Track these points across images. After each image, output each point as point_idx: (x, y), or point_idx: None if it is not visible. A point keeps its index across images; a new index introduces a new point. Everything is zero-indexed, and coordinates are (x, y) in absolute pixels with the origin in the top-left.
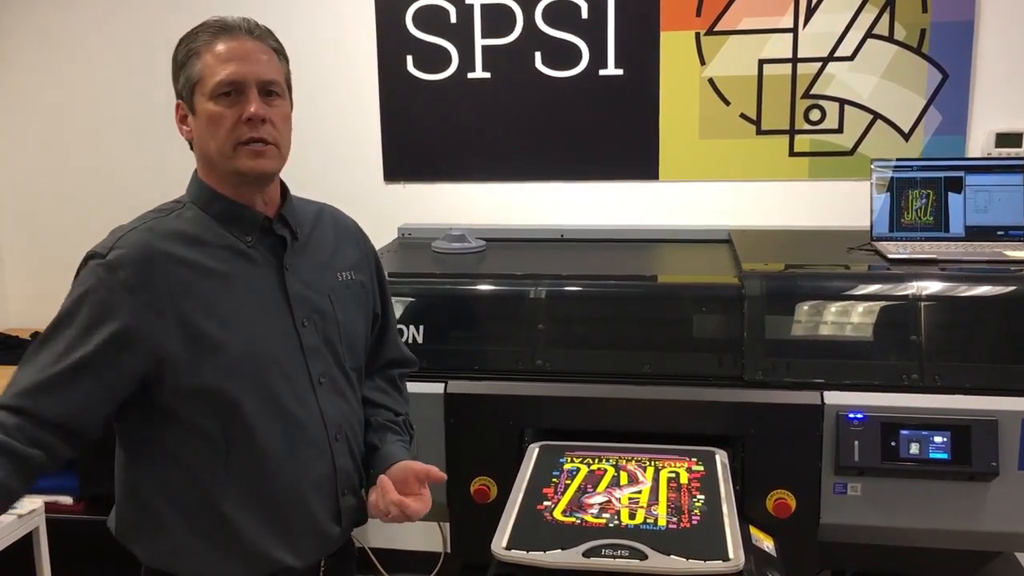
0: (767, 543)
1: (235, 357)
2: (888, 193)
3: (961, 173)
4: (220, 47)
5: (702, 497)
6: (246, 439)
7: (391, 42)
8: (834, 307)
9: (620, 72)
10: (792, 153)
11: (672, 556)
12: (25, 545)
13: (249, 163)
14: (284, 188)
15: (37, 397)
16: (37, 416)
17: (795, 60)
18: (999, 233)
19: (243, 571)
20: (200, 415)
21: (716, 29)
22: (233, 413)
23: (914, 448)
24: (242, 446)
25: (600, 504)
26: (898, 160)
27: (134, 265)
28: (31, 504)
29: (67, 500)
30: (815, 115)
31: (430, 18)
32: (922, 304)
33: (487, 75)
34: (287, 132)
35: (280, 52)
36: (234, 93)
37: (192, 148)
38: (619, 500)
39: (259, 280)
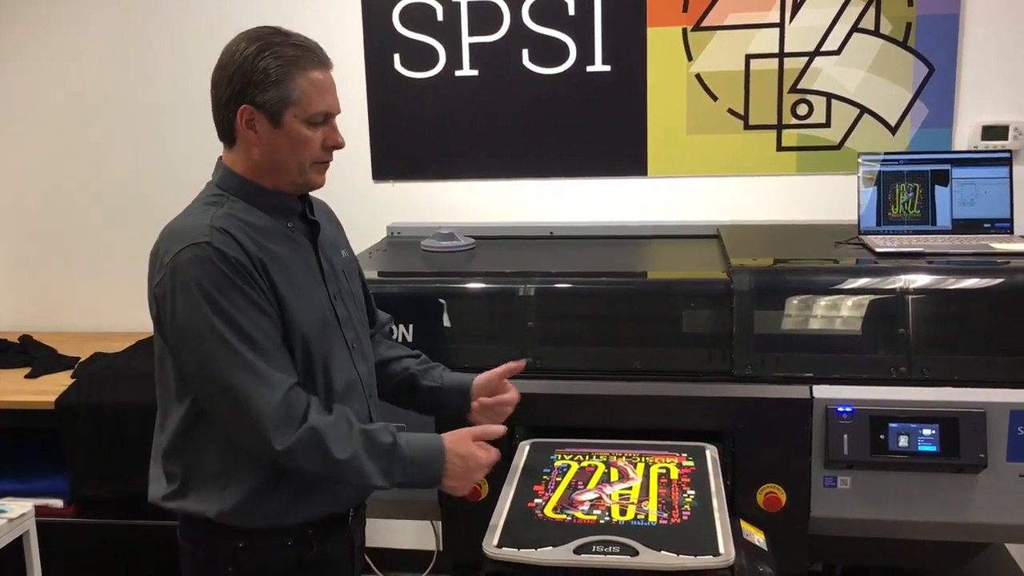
0: (758, 537)
1: (310, 326)
2: (875, 187)
3: (947, 166)
4: (316, 75)
5: (692, 492)
6: (315, 396)
7: (378, 40)
8: (822, 301)
9: (607, 68)
10: (780, 148)
11: (663, 552)
12: (16, 548)
13: (319, 179)
14: None
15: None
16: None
17: (782, 55)
18: (985, 225)
19: (299, 518)
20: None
21: (703, 25)
22: (306, 376)
23: (903, 441)
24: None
25: (591, 501)
26: (885, 154)
27: (238, 246)
28: (21, 508)
29: (58, 503)
30: (802, 110)
31: (417, 16)
32: (909, 297)
33: (475, 73)
34: None
35: None
36: (323, 122)
37: (230, 143)
38: (610, 496)
39: (306, 259)
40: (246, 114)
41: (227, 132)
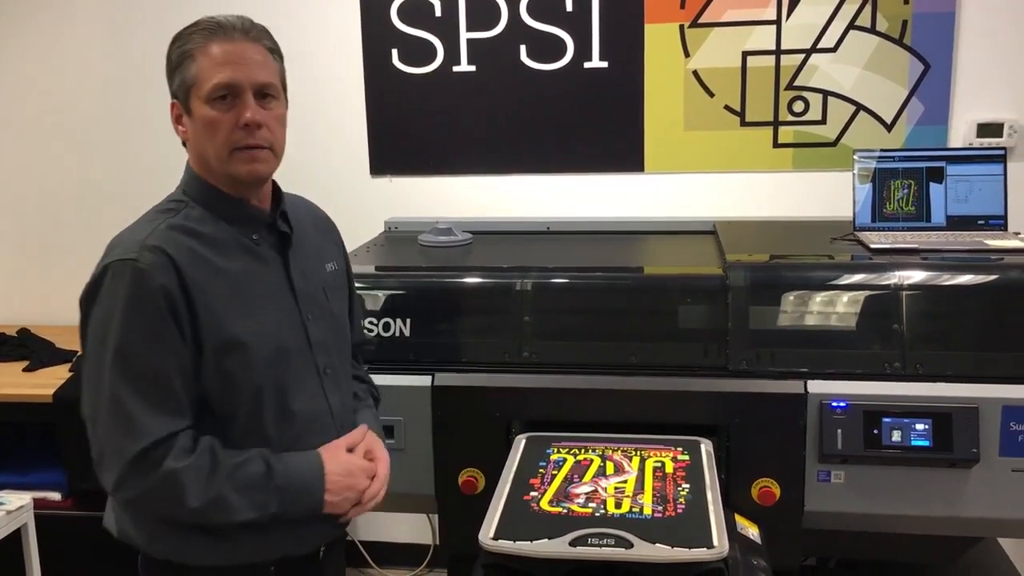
0: (752, 531)
1: (257, 353)
2: (871, 184)
3: (942, 163)
4: (215, 49)
5: (687, 486)
6: (260, 432)
7: (376, 36)
8: (817, 297)
9: (605, 65)
10: (776, 144)
11: (657, 544)
12: (14, 541)
13: (244, 168)
14: (275, 184)
15: (167, 413)
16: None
17: (778, 52)
18: (980, 222)
19: (250, 559)
20: (223, 407)
21: (700, 21)
22: (253, 407)
23: (896, 436)
24: (256, 438)
25: (586, 494)
26: (880, 151)
27: (170, 265)
28: (19, 500)
29: (55, 496)
30: (799, 106)
31: (415, 11)
32: (904, 293)
33: (472, 68)
34: (282, 134)
35: (275, 51)
36: (230, 97)
37: (184, 145)
38: (605, 490)
39: (269, 276)
40: (173, 110)
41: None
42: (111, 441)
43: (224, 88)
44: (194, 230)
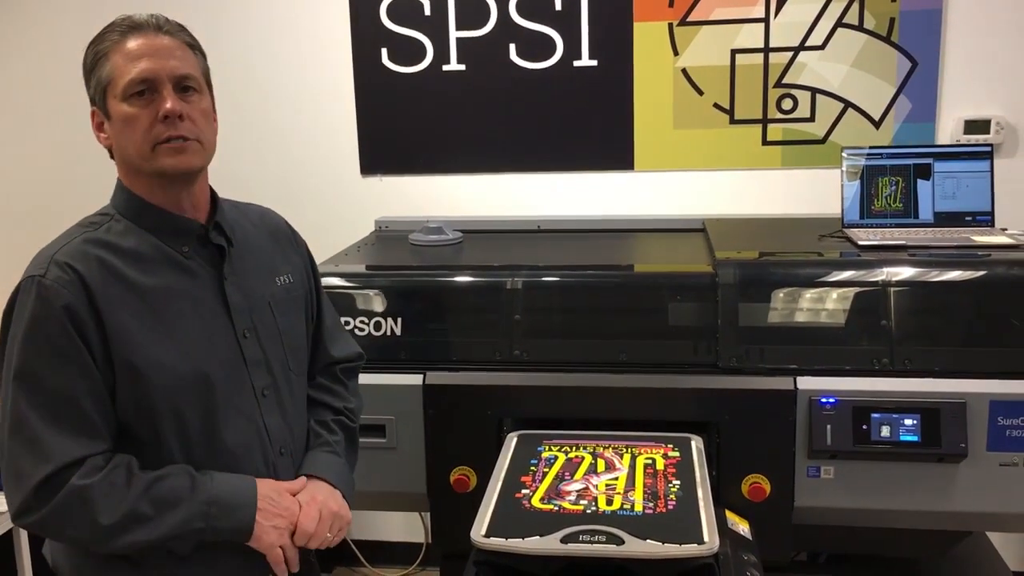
0: (742, 527)
1: (178, 374)
2: (859, 181)
3: (930, 160)
4: (130, 45)
5: (678, 482)
6: (187, 458)
7: (366, 35)
8: (806, 294)
9: (594, 63)
10: (765, 142)
11: (648, 540)
12: (5, 542)
13: (170, 161)
14: (213, 193)
15: (77, 435)
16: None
17: (767, 50)
18: (967, 219)
19: None
20: (143, 431)
21: (688, 19)
22: (176, 431)
23: (885, 431)
24: (184, 463)
25: (578, 491)
26: (868, 148)
27: (77, 282)
28: None
29: None
30: (787, 104)
31: (404, 10)
32: (892, 290)
33: (462, 67)
34: (209, 128)
35: (195, 47)
36: (148, 92)
37: (112, 156)
38: (596, 487)
39: (198, 292)
40: (94, 118)
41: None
42: (16, 466)
43: (141, 83)
44: (113, 244)
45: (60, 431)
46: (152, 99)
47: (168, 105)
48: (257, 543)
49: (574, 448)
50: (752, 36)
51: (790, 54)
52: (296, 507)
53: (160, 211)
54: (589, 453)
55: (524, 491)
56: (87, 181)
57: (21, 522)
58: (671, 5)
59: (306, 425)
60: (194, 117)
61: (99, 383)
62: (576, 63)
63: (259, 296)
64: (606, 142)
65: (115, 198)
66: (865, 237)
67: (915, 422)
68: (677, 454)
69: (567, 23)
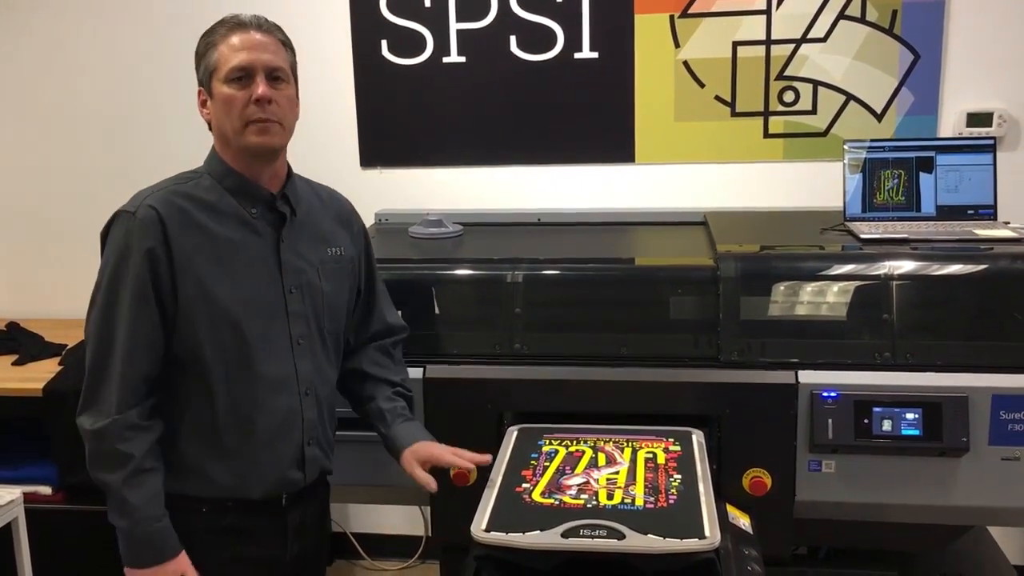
0: (743, 521)
1: (228, 312)
2: (861, 174)
3: (932, 153)
4: (234, 39)
5: (679, 477)
6: (225, 385)
7: (366, 27)
8: (808, 287)
9: (595, 55)
10: (766, 135)
11: (649, 535)
12: (5, 535)
13: (256, 139)
14: (290, 169)
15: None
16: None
17: (769, 42)
18: (969, 212)
19: (214, 494)
20: (194, 360)
21: (690, 11)
22: (219, 361)
23: (886, 425)
24: (222, 391)
25: (578, 485)
26: (870, 141)
27: (158, 223)
28: (9, 495)
29: (46, 490)
30: (789, 97)
31: (404, 2)
32: (894, 283)
33: (462, 59)
34: (291, 112)
35: (287, 44)
36: (245, 78)
37: (211, 129)
38: (597, 481)
39: (258, 248)
40: (200, 96)
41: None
42: (89, 388)
43: (240, 70)
44: (196, 196)
45: (119, 376)
46: (247, 85)
47: (260, 91)
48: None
49: (575, 442)
50: (754, 28)
51: (792, 46)
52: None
53: (240, 176)
54: (590, 447)
55: (525, 485)
56: (79, 174)
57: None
58: None
59: (333, 377)
60: (280, 102)
61: (159, 317)
62: (577, 55)
63: (310, 260)
64: (607, 134)
65: (208, 161)
66: (867, 230)
67: (917, 416)
68: (678, 448)
69: (568, 15)
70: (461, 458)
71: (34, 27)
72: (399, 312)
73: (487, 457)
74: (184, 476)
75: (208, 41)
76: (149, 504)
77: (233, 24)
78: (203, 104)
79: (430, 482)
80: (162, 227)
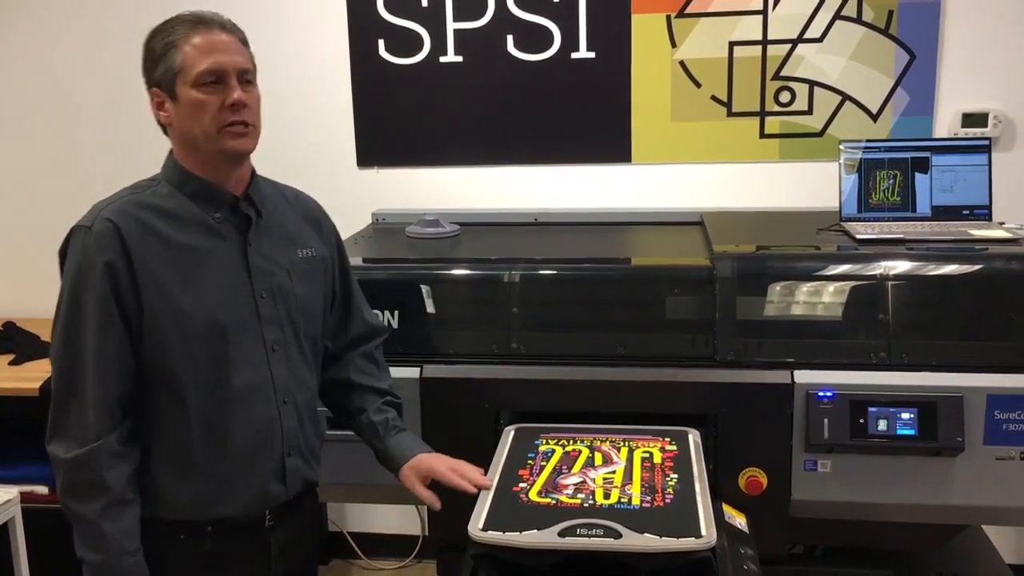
0: (739, 520)
1: (197, 322)
2: (856, 174)
3: (927, 153)
4: (198, 39)
5: (675, 476)
6: (198, 398)
7: (362, 26)
8: (804, 287)
9: (592, 55)
10: (763, 135)
11: (646, 534)
12: (1, 535)
13: (233, 143)
14: (253, 170)
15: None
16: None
17: (765, 42)
18: (964, 212)
19: (190, 516)
20: (162, 372)
21: (687, 11)
22: (190, 373)
23: (882, 425)
24: (195, 405)
25: (575, 485)
26: (866, 141)
27: (116, 235)
28: (6, 494)
29: (43, 490)
30: (785, 97)
31: (402, 2)
32: (889, 283)
33: (459, 59)
34: (259, 115)
35: (246, 42)
36: (216, 82)
37: (166, 133)
38: (594, 480)
39: (224, 253)
40: (154, 97)
41: (157, 121)
42: (56, 421)
43: (211, 73)
44: (154, 205)
45: (86, 406)
46: (219, 89)
47: (236, 95)
48: None
49: (571, 442)
50: (750, 28)
51: (788, 46)
52: None
53: (200, 180)
54: (586, 447)
55: (522, 484)
56: (74, 174)
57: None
58: None
59: (314, 383)
60: (252, 105)
61: (125, 333)
62: (574, 55)
63: (279, 262)
64: (604, 134)
65: (165, 167)
66: (863, 231)
67: (912, 416)
68: (674, 448)
69: (565, 15)
70: (462, 478)
71: (34, 26)
72: (397, 312)
73: (488, 483)
74: (158, 500)
75: (167, 41)
76: (126, 538)
77: (194, 22)
78: (159, 106)
79: (435, 501)
80: (120, 239)
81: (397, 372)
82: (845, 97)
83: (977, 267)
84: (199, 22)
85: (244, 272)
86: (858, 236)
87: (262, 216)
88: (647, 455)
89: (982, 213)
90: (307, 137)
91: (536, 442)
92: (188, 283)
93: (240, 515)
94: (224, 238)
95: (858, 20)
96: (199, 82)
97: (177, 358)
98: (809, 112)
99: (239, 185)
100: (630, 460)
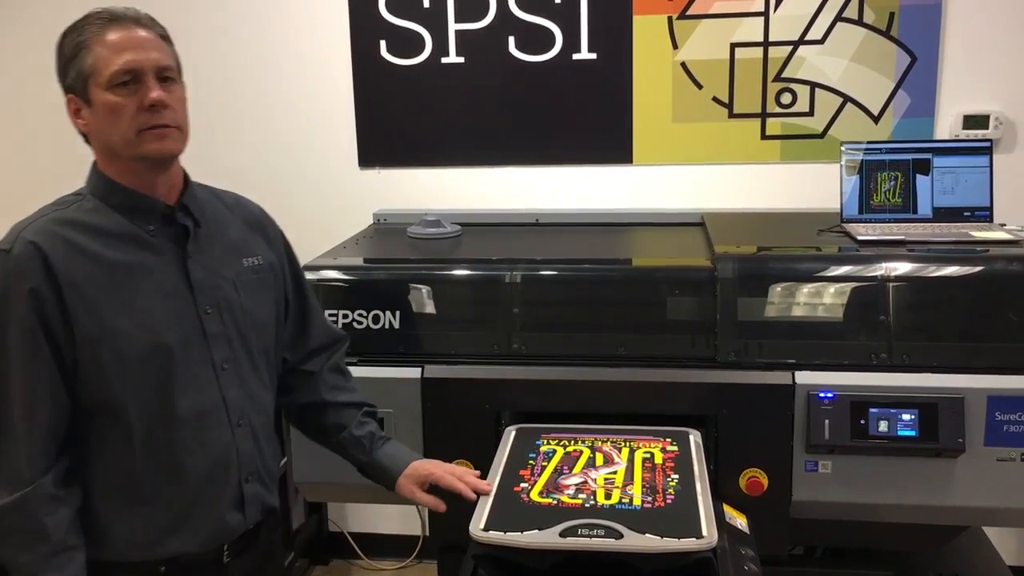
0: (740, 521)
1: (136, 345)
2: (858, 175)
3: (929, 155)
4: (111, 37)
5: (676, 476)
6: (144, 426)
7: (364, 27)
8: (805, 288)
9: (593, 56)
10: (764, 136)
11: (647, 535)
12: None
13: (155, 146)
14: (186, 177)
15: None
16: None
17: (766, 44)
18: (965, 214)
19: (141, 556)
20: (103, 401)
21: (688, 13)
22: (133, 400)
23: (883, 426)
24: (141, 436)
25: (576, 485)
26: (867, 143)
27: (39, 258)
28: None
29: None
30: (786, 98)
31: (403, 3)
32: (890, 285)
33: (461, 60)
34: (186, 114)
35: (167, 38)
36: (132, 82)
37: (87, 141)
38: (595, 481)
39: (161, 268)
40: (70, 104)
41: (77, 129)
42: None
43: (126, 73)
44: (80, 221)
45: (17, 440)
46: (136, 89)
47: (154, 95)
48: None
49: (572, 442)
50: (751, 30)
51: (789, 48)
52: None
53: (128, 191)
54: (587, 447)
55: (523, 485)
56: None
57: None
58: None
59: (269, 401)
60: (174, 105)
61: (53, 362)
62: (575, 56)
63: (223, 274)
64: (605, 135)
65: (89, 180)
66: (864, 232)
67: (913, 417)
68: (675, 448)
69: (566, 16)
70: (461, 481)
71: (33, 27)
72: (399, 312)
73: (488, 488)
74: (105, 540)
75: (78, 41)
76: None
77: (107, 19)
78: (76, 113)
79: (439, 504)
80: (44, 262)
81: (398, 372)
82: (846, 99)
83: (978, 269)
84: (112, 19)
85: (185, 287)
86: (859, 237)
87: (200, 226)
88: (648, 455)
89: (983, 215)
90: (309, 138)
91: (537, 442)
92: (123, 304)
93: (196, 551)
94: (160, 252)
95: (859, 22)
96: (113, 83)
97: (118, 386)
98: (810, 113)
99: (171, 193)
100: (631, 460)
